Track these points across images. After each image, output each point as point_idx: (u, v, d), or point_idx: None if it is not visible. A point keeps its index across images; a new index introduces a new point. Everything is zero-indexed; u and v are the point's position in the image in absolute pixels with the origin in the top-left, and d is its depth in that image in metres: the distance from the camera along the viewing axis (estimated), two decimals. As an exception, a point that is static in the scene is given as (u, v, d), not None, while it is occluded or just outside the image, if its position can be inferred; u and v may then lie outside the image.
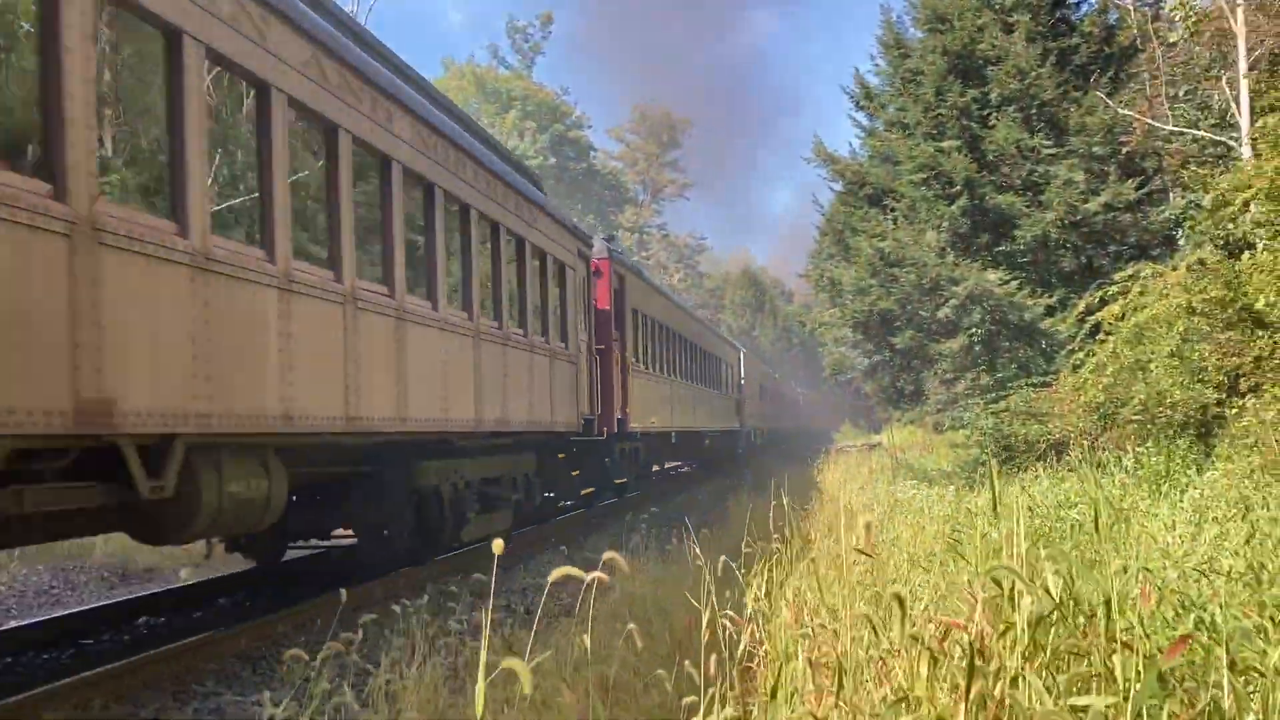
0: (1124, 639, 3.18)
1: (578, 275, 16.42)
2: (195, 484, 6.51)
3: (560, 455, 16.29)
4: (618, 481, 19.43)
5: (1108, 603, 3.36)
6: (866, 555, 4.46)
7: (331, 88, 8.31)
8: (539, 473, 14.95)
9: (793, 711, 3.48)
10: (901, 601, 3.43)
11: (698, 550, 4.95)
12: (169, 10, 6.22)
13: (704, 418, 29.18)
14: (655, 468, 24.17)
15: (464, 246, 11.40)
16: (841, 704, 3.36)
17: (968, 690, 3.18)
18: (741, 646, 4.10)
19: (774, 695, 3.53)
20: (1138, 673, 3.02)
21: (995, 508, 4.72)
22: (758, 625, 4.46)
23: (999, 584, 3.65)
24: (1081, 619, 3.56)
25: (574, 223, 17.41)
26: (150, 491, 6.01)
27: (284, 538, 10.36)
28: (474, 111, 58.57)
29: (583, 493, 18.38)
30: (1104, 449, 13.41)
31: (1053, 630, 3.46)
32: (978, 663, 3.21)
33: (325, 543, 11.20)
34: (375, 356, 8.88)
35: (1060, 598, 3.54)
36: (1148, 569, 4.19)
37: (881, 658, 3.79)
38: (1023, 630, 3.35)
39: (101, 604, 9.79)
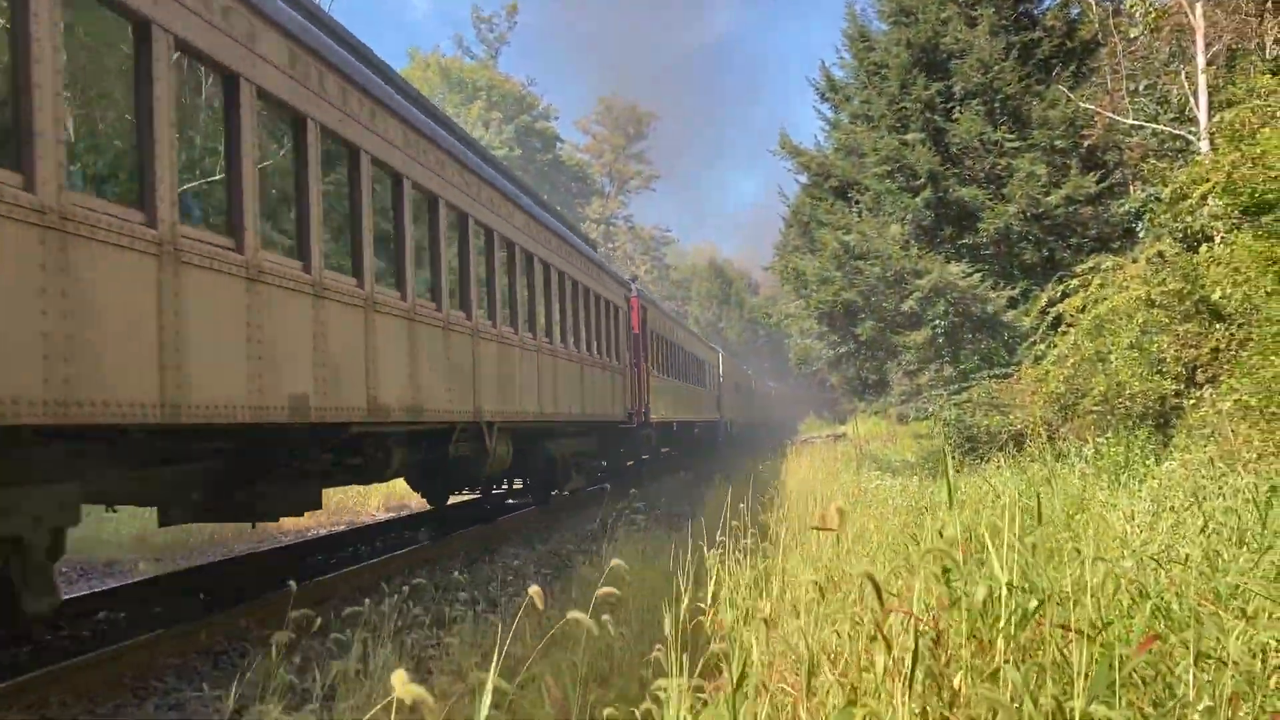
0: (1078, 627, 3.21)
1: (622, 311, 22.87)
2: (495, 447, 12.93)
3: (611, 437, 22.44)
4: (644, 457, 26.77)
5: (1063, 590, 3.39)
6: (830, 530, 4.47)
7: (485, 202, 13.19)
8: (600, 448, 21.41)
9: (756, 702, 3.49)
10: (876, 584, 3.43)
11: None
12: None
13: (696, 411, 34.62)
14: (664, 449, 30.52)
15: (573, 304, 18.02)
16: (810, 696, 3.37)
17: (911, 676, 3.20)
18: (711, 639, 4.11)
19: (739, 686, 3.54)
20: (1094, 661, 3.06)
21: (951, 499, 4.76)
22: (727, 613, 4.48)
23: (947, 571, 3.68)
24: (1034, 605, 3.60)
25: (621, 275, 24.85)
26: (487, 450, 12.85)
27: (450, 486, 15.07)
28: (439, 102, 58.17)
29: (627, 464, 25.65)
30: (1065, 440, 13.57)
31: (1004, 618, 3.48)
32: (924, 647, 3.24)
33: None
34: (529, 375, 14.79)
35: (1011, 585, 3.58)
36: (1102, 558, 4.24)
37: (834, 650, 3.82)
38: (967, 611, 3.38)
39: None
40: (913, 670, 3.22)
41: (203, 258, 6.62)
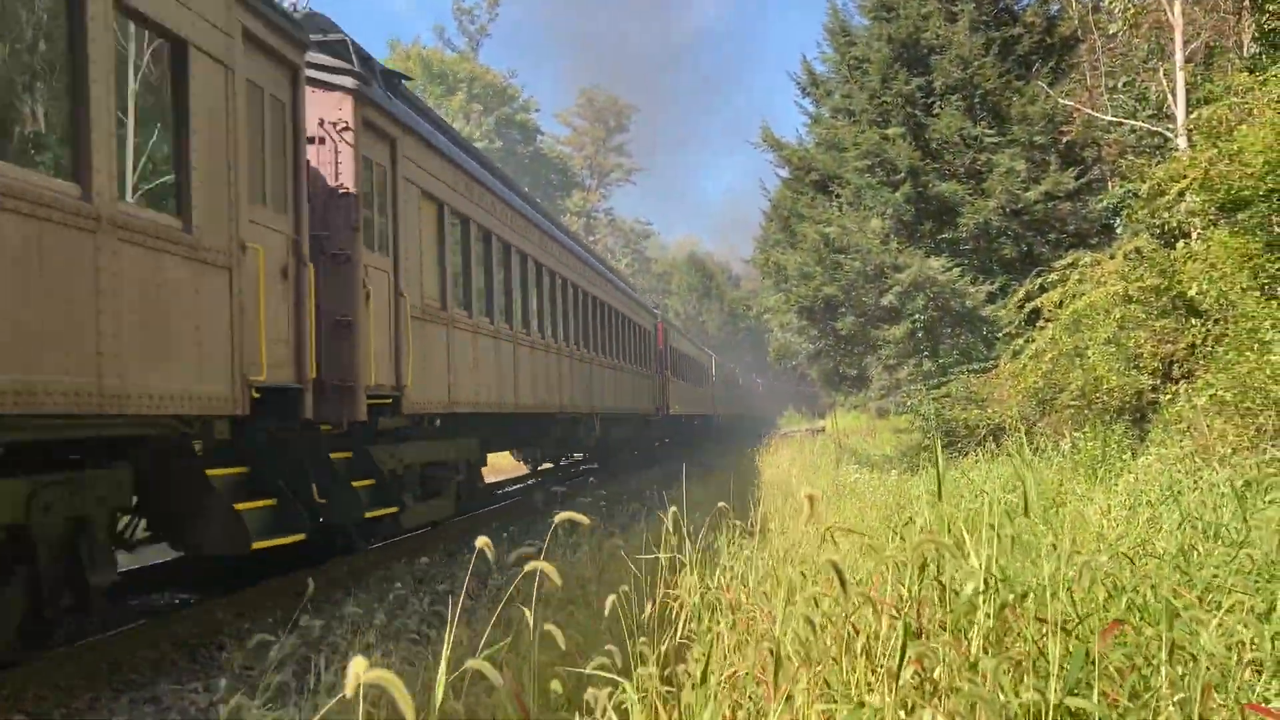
0: (1053, 619, 3.23)
1: (650, 334, 31.41)
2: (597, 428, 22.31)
3: (644, 425, 30.78)
4: (666, 440, 36.43)
5: (1038, 584, 3.41)
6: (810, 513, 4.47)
7: (579, 271, 20.81)
8: (636, 433, 29.92)
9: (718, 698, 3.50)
10: (840, 571, 3.43)
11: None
12: None
13: (697, 407, 42.60)
14: (676, 435, 38.80)
15: (624, 332, 26.22)
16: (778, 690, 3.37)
17: (899, 670, 3.21)
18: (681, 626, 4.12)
19: (704, 679, 3.54)
20: (1068, 653, 3.07)
21: (940, 492, 4.78)
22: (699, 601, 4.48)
23: (923, 567, 3.70)
24: (1010, 598, 3.62)
25: (651, 306, 34.66)
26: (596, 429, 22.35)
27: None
28: (419, 93, 57.95)
29: (654, 445, 34.28)
30: (1042, 434, 13.64)
31: (980, 610, 3.50)
32: (897, 635, 3.24)
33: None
34: (609, 383, 23.37)
35: (988, 578, 3.59)
36: (1078, 552, 4.26)
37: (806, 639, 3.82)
38: (949, 603, 3.39)
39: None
40: (900, 663, 3.23)
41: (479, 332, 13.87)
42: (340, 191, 9.70)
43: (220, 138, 7.42)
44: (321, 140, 9.61)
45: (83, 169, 5.89)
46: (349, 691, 1.81)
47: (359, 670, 1.82)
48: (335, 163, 9.73)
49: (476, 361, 13.42)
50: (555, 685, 3.59)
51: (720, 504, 5.60)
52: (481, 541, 3.00)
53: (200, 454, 7.69)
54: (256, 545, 7.57)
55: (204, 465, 7.71)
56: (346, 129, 9.75)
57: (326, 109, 9.62)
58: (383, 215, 10.49)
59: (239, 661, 6.71)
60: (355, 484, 9.75)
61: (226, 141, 7.47)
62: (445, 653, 2.66)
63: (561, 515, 3.27)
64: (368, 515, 9.92)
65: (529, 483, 20.61)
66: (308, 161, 9.19)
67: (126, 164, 6.50)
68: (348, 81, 9.85)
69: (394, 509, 10.57)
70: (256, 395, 7.73)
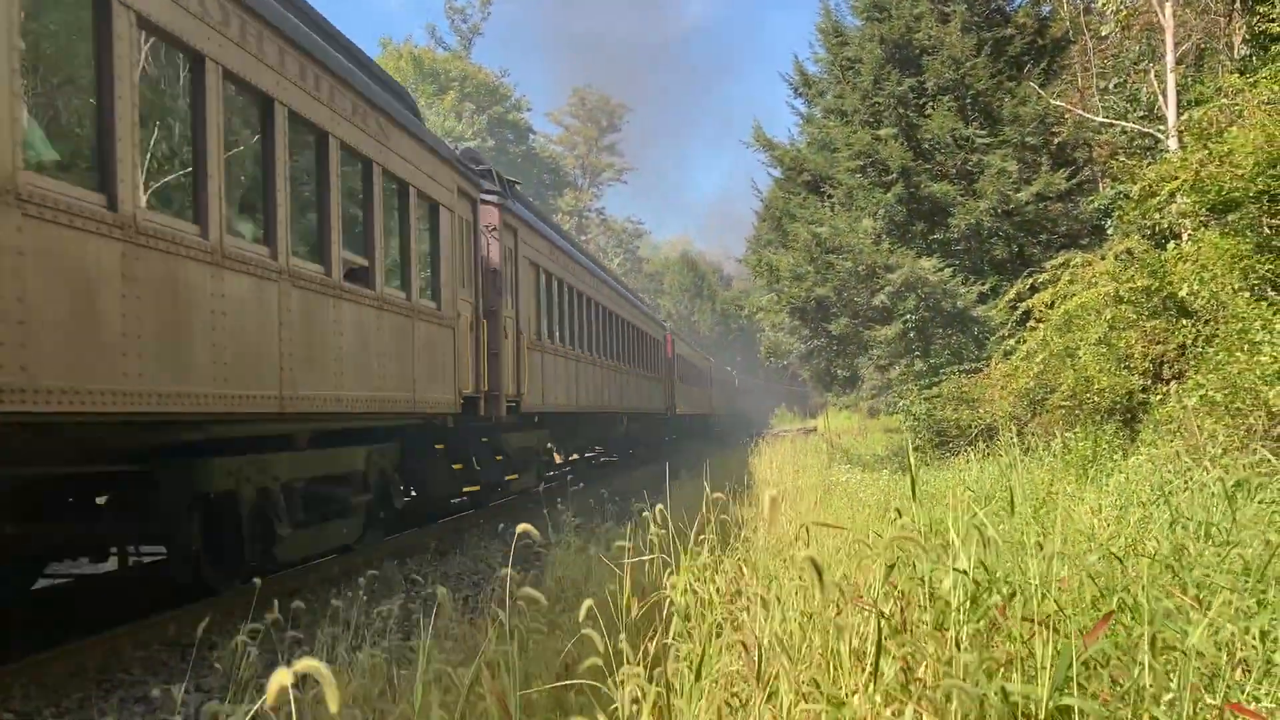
0: (1042, 619, 3.23)
1: (661, 344, 35.86)
2: (626, 424, 28.87)
3: (655, 423, 34.97)
4: (673, 436, 40.29)
5: (1025, 583, 3.41)
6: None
7: (612, 299, 26.14)
8: (649, 429, 33.95)
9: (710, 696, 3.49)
10: (818, 566, 3.43)
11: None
12: None
13: (698, 406, 47.01)
14: (682, 431, 43.59)
15: (642, 344, 30.16)
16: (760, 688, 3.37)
17: (876, 666, 3.21)
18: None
19: (699, 675, 3.53)
20: (1057, 653, 3.07)
21: (914, 493, 4.80)
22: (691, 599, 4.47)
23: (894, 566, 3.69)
24: (998, 597, 3.62)
25: (661, 320, 40.28)
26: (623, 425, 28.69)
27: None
28: (411, 91, 57.85)
29: (664, 439, 38.23)
30: (1033, 434, 13.67)
31: (955, 605, 3.50)
32: (886, 635, 3.24)
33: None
34: (633, 387, 28.48)
35: (976, 577, 3.59)
36: (1064, 551, 4.27)
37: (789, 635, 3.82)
38: (930, 599, 3.39)
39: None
40: (877, 660, 3.23)
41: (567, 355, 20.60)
42: (493, 270, 15.04)
43: (449, 252, 12.90)
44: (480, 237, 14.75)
45: (409, 289, 11.44)
46: (270, 700, 1.86)
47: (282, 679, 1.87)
48: (490, 252, 14.99)
49: (557, 376, 19.10)
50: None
51: (716, 495, 5.58)
52: (522, 527, 3.73)
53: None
54: (465, 490, 14.79)
55: (435, 441, 13.52)
56: (495, 230, 15.06)
57: (485, 218, 14.91)
58: (510, 280, 15.77)
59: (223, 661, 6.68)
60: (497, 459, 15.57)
61: (451, 254, 13.02)
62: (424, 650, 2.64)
63: (521, 527, 3.70)
64: (506, 478, 16.17)
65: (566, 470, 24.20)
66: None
67: (416, 278, 11.65)
68: (495, 199, 15.24)
69: (515, 475, 16.54)
70: (455, 398, 12.87)
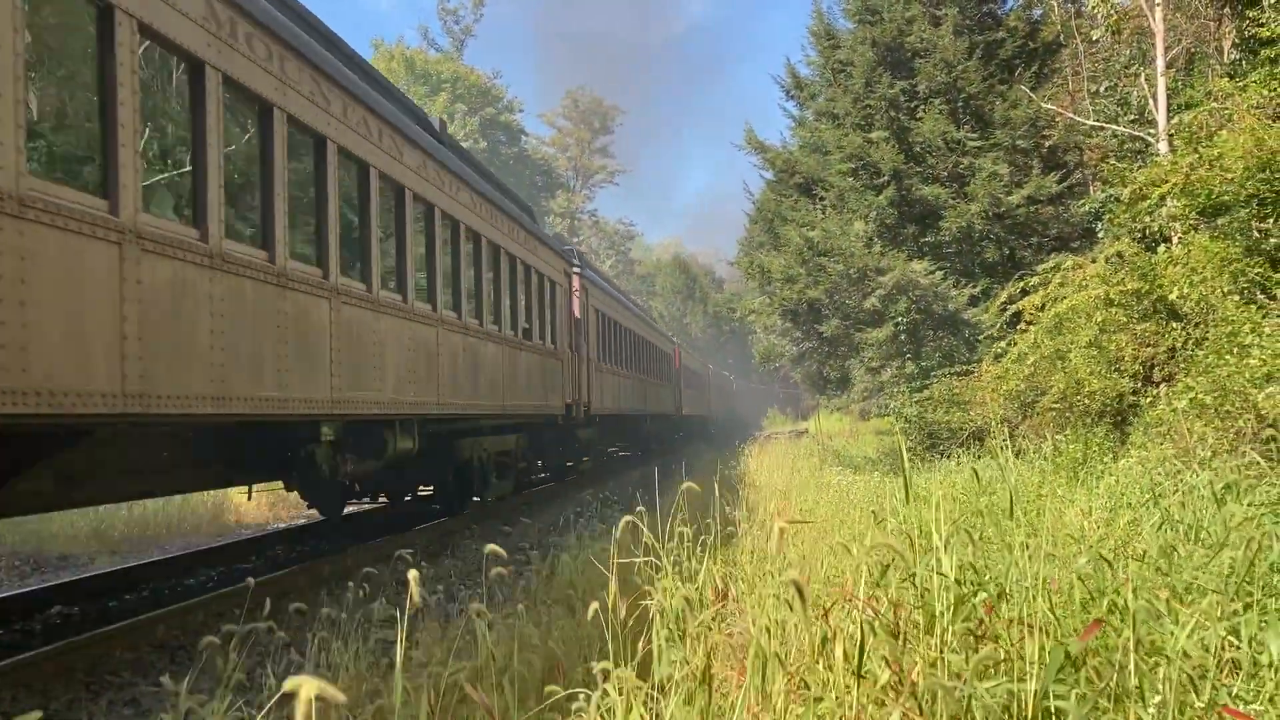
0: (1030, 621, 3.23)
1: (671, 355, 40.42)
2: (648, 425, 35.14)
3: (665, 422, 39.21)
4: (680, 433, 45.62)
5: (1014, 584, 3.41)
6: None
7: (635, 320, 32.24)
8: (659, 428, 37.87)
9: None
10: (800, 589, 3.43)
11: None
12: None
13: (699, 408, 51.84)
14: (687, 430, 48.94)
15: (654, 355, 35.19)
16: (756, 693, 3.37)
17: (859, 666, 3.20)
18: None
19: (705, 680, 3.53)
20: (1044, 652, 3.08)
21: (908, 495, 4.80)
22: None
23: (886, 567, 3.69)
24: (984, 596, 3.61)
25: (670, 335, 43.52)
26: (646, 425, 35.84)
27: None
28: (403, 92, 57.73)
29: (674, 436, 43.59)
30: (1024, 437, 13.69)
31: (937, 606, 3.50)
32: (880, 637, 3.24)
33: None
34: (656, 392, 35.02)
35: (962, 579, 3.59)
36: (1053, 554, 4.27)
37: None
38: (921, 601, 3.39)
39: (10, 593, 9.49)
40: (860, 661, 3.23)
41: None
42: (576, 319, 21.12)
43: (560, 313, 19.21)
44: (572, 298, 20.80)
45: (545, 338, 18.05)
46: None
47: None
48: (574, 307, 21.02)
49: (613, 387, 25.64)
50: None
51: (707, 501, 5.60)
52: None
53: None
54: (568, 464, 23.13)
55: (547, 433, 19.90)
56: (578, 292, 21.32)
57: (574, 284, 21.26)
58: (585, 325, 21.76)
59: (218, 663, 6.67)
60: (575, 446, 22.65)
61: (560, 313, 19.19)
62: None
63: (489, 548, 3.88)
64: (583, 460, 24.16)
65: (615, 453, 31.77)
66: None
67: (547, 331, 18.05)
68: (579, 270, 21.61)
69: (585, 458, 24.36)
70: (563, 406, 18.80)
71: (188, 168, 6.91)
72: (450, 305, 12.54)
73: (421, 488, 15.58)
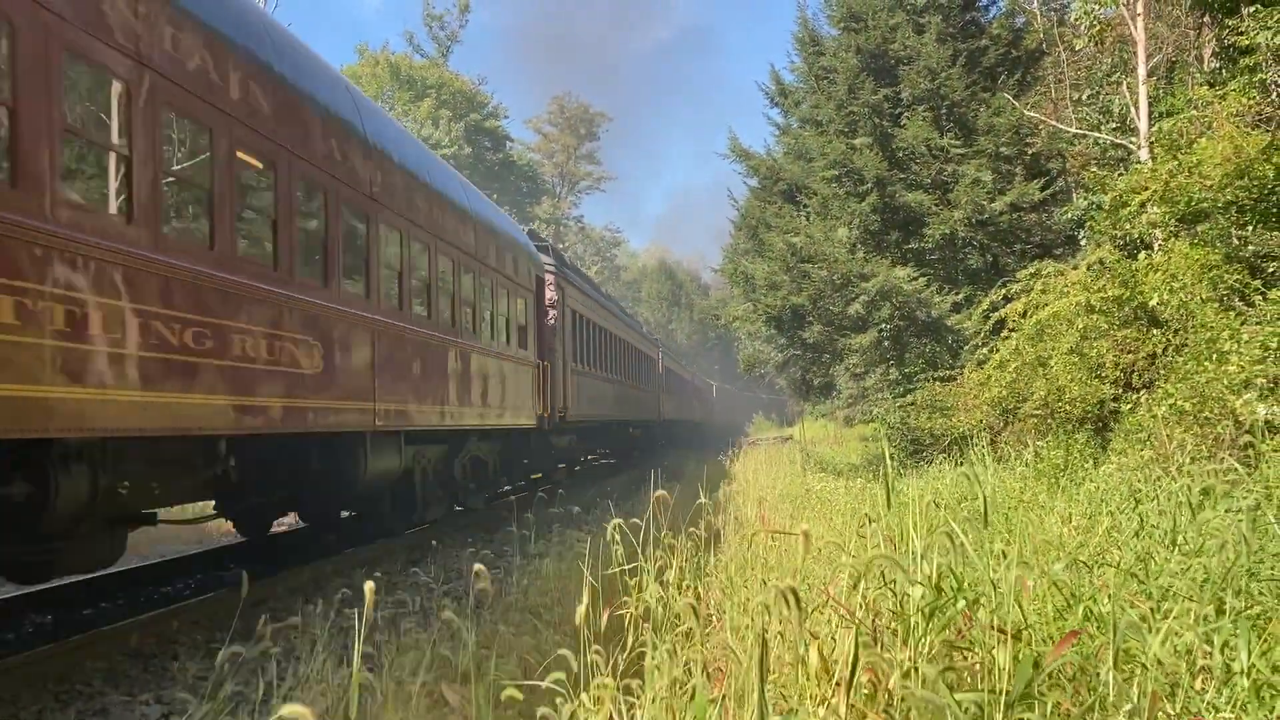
0: (1003, 627, 3.21)
1: (655, 361, 41.07)
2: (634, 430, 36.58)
3: (651, 427, 39.62)
4: (663, 441, 44.83)
5: (990, 591, 3.39)
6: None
7: (641, 335, 37.40)
8: (648, 431, 39.39)
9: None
10: (796, 595, 3.41)
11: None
12: None
13: (682, 413, 51.67)
14: (680, 433, 51.07)
15: (641, 364, 35.88)
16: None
17: (852, 679, 3.18)
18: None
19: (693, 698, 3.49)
20: (1016, 661, 3.05)
21: (889, 501, 4.79)
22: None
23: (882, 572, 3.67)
24: (962, 603, 3.59)
25: (654, 340, 44.10)
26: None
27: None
28: (388, 99, 57.59)
29: (657, 440, 43.35)
30: (1006, 443, 13.71)
31: (926, 617, 3.48)
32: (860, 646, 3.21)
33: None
34: (631, 399, 32.93)
35: (942, 584, 3.57)
36: (1026, 561, 4.25)
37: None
38: (900, 610, 3.36)
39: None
40: (853, 675, 3.20)
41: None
42: (550, 324, 20.10)
43: (532, 320, 18.33)
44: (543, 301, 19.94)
45: (537, 348, 18.78)
46: None
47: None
48: (548, 309, 20.09)
49: (592, 393, 24.58)
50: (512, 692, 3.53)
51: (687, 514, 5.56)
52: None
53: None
54: (533, 476, 21.43)
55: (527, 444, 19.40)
56: (554, 297, 20.31)
57: (547, 285, 20.08)
58: (560, 327, 20.68)
59: (192, 672, 6.61)
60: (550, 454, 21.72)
61: (537, 320, 18.95)
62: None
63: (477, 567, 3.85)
64: (559, 466, 23.28)
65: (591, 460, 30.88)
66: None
67: (517, 338, 17.10)
68: (552, 269, 20.42)
69: (561, 465, 23.52)
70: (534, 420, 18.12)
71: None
72: (395, 299, 11.30)
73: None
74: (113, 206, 6.54)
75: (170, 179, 7.18)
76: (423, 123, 56.11)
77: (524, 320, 17.64)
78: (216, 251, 7.63)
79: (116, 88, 6.51)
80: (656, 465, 18.45)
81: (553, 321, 20.12)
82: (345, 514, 12.72)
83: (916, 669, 3.31)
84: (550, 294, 20.14)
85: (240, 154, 8.10)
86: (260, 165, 8.51)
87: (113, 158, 6.57)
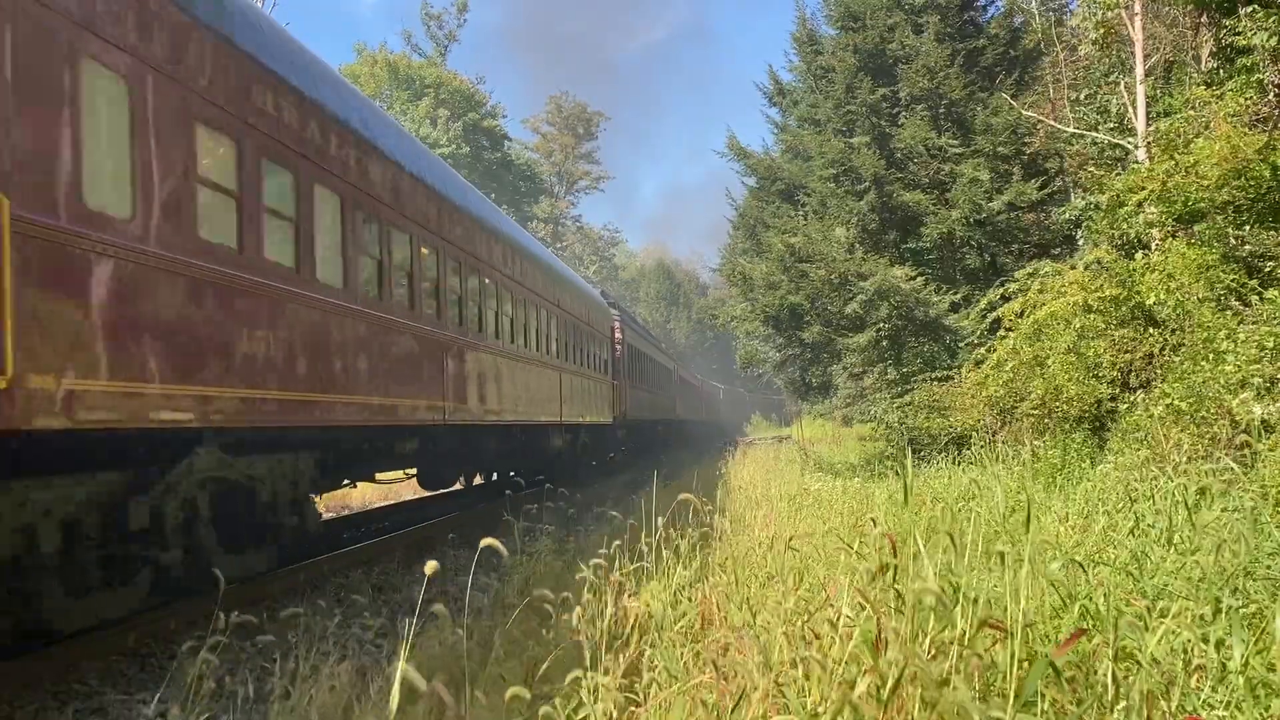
0: (1003, 627, 3.21)
1: (672, 371, 46.95)
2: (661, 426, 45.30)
3: (668, 423, 45.63)
4: (674, 436, 49.05)
5: (992, 591, 3.40)
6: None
7: (657, 350, 45.34)
8: (667, 426, 46.21)
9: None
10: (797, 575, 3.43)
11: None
12: None
13: (691, 413, 57.51)
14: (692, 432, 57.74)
15: (662, 374, 43.38)
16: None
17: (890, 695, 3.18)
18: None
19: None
20: (1014, 659, 3.06)
21: (906, 499, 4.78)
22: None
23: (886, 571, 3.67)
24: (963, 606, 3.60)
25: (671, 353, 54.82)
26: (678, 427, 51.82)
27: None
28: (385, 99, 57.53)
29: (672, 435, 48.48)
30: (1004, 442, 13.71)
31: (910, 616, 3.48)
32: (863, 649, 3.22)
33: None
34: (659, 401, 42.03)
35: (942, 585, 3.57)
36: (1021, 559, 4.26)
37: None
38: (909, 613, 3.37)
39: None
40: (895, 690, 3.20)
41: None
42: (617, 355, 29.86)
43: (609, 351, 29.00)
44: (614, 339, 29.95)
45: (605, 372, 28.30)
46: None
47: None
48: (615, 343, 29.71)
49: (642, 398, 33.96)
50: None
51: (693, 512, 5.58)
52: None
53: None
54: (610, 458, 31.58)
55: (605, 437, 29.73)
56: (619, 334, 30.06)
57: (616, 327, 30.15)
58: (622, 355, 30.09)
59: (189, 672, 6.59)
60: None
61: (608, 351, 28.92)
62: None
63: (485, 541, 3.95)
64: (622, 448, 33.25)
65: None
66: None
67: (604, 365, 27.85)
68: (618, 316, 30.67)
69: (612, 455, 31.57)
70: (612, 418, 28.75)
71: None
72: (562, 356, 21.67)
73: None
74: (429, 308, 12.86)
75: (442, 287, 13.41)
76: (420, 122, 56.06)
77: (608, 356, 28.63)
78: (463, 327, 14.21)
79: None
80: (672, 456, 25.28)
81: (619, 354, 30.07)
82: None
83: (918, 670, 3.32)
84: (618, 336, 30.19)
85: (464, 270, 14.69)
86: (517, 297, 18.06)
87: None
